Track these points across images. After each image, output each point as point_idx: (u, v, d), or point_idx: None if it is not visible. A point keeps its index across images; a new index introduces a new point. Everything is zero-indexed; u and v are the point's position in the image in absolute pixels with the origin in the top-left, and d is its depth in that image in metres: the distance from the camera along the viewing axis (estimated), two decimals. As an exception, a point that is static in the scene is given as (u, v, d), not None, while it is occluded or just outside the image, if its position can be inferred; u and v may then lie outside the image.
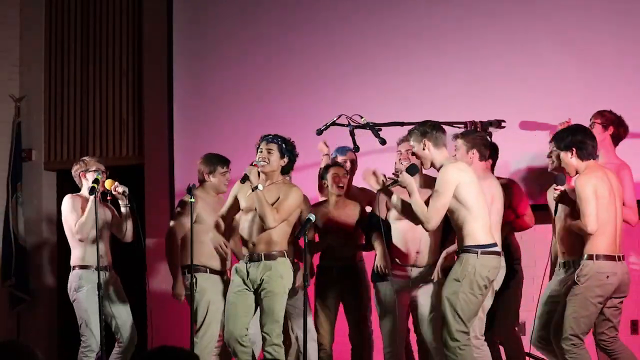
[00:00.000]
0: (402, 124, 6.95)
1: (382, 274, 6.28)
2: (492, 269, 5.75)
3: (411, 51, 7.82)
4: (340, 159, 6.98)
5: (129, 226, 6.87)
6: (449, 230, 6.00)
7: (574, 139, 5.77)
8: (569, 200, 5.76)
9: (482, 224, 5.73)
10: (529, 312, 6.27)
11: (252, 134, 6.73)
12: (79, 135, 9.19)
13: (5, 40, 9.30)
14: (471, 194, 5.70)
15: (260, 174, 6.21)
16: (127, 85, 9.05)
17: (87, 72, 9.18)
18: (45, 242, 9.23)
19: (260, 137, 6.34)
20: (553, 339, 5.80)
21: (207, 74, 8.58)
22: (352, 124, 6.94)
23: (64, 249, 7.60)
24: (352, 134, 6.93)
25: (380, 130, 6.89)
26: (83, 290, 6.72)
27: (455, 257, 5.90)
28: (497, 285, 6.14)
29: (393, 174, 5.98)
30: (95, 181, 6.64)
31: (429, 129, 5.84)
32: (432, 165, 5.86)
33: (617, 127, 6.50)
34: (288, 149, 6.26)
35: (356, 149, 6.93)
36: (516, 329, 6.69)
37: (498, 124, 6.97)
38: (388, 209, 6.36)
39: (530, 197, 6.91)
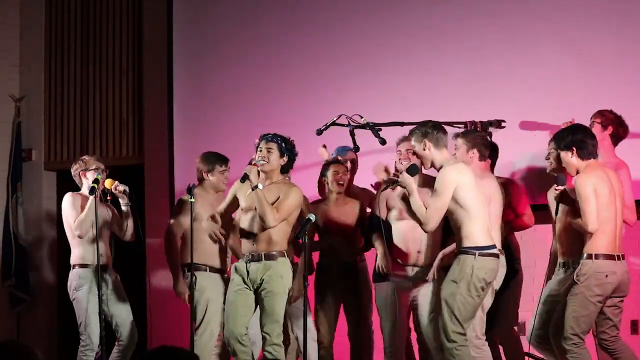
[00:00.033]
0: (402, 124, 6.95)
1: (383, 274, 6.29)
2: (490, 271, 5.74)
3: (411, 51, 7.82)
4: (340, 159, 6.98)
5: (129, 225, 6.87)
6: (450, 231, 6.00)
7: (574, 138, 5.78)
8: (569, 199, 5.77)
9: (480, 226, 5.72)
10: (529, 312, 6.27)
11: (252, 134, 6.73)
12: (79, 135, 9.19)
13: (5, 40, 9.31)
14: (470, 195, 5.70)
15: (260, 173, 6.22)
16: (127, 85, 9.05)
17: (87, 72, 9.18)
18: (46, 242, 9.23)
19: (259, 136, 6.35)
20: (552, 339, 5.80)
21: (207, 74, 8.59)
22: (352, 124, 6.94)
23: (64, 249, 7.60)
24: (352, 134, 6.93)
25: (380, 130, 6.89)
26: (83, 289, 6.72)
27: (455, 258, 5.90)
28: (497, 284, 6.15)
29: (393, 174, 5.98)
30: (95, 181, 6.64)
31: (430, 130, 5.84)
32: (432, 165, 5.86)
33: (617, 127, 6.50)
34: (287, 148, 6.26)
35: (356, 149, 6.94)
36: (515, 328, 6.69)
37: (498, 124, 6.98)
38: (388, 210, 6.37)
39: (530, 197, 6.91)
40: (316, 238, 6.76)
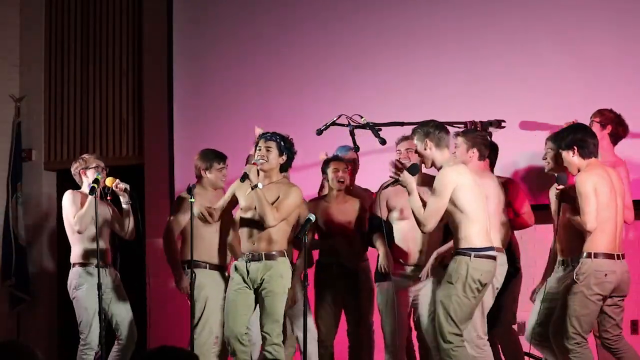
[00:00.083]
0: (402, 124, 6.95)
1: (385, 273, 6.29)
2: (485, 273, 5.72)
3: (411, 51, 7.82)
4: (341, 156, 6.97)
5: (130, 223, 6.87)
6: (450, 230, 6.00)
7: (574, 137, 5.78)
8: (570, 198, 5.76)
9: (478, 228, 5.71)
10: (529, 312, 6.27)
11: (252, 133, 6.75)
12: (79, 135, 9.19)
13: (5, 40, 9.31)
14: (468, 197, 5.69)
15: (259, 172, 6.22)
16: (127, 85, 9.06)
17: (87, 72, 9.19)
18: (46, 242, 9.23)
19: (258, 135, 6.36)
20: (552, 338, 5.80)
21: (207, 74, 8.59)
22: (352, 124, 6.94)
23: (64, 249, 7.60)
24: (352, 134, 6.93)
25: (380, 130, 6.90)
26: (83, 288, 6.72)
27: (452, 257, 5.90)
28: (497, 283, 6.14)
29: (395, 172, 5.97)
30: (95, 181, 6.63)
31: (432, 129, 5.83)
32: (433, 164, 5.86)
33: (616, 126, 6.49)
34: (286, 147, 6.27)
35: (356, 149, 6.94)
36: (514, 327, 6.69)
37: (498, 124, 6.98)
38: (389, 210, 6.38)
39: (530, 197, 6.91)
40: (316, 237, 6.76)
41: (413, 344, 6.62)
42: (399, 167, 5.81)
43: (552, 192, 5.96)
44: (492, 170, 6.52)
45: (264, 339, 6.19)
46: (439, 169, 5.82)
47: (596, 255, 5.66)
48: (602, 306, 5.73)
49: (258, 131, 6.79)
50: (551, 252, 6.10)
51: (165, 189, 8.61)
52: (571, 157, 5.78)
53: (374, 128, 6.88)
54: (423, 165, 5.97)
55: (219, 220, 6.50)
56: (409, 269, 6.30)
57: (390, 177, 5.93)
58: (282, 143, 6.25)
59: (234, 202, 6.41)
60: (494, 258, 5.77)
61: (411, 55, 7.82)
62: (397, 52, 7.85)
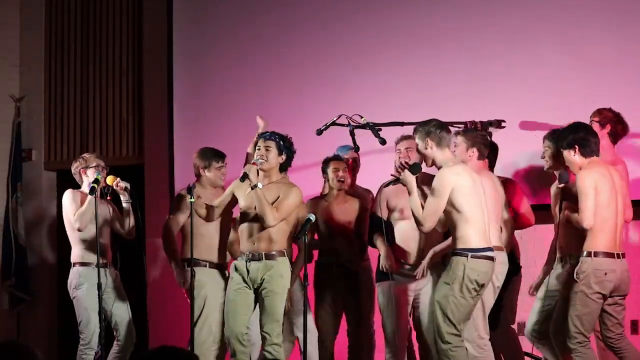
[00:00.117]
0: (402, 124, 6.96)
1: (386, 273, 6.29)
2: (482, 274, 5.71)
3: (411, 51, 7.82)
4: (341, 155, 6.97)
5: (131, 222, 6.87)
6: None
7: (575, 136, 5.79)
8: (571, 196, 5.77)
9: (476, 229, 5.70)
10: (529, 312, 6.27)
11: (252, 134, 6.75)
12: (79, 135, 9.19)
13: (5, 40, 9.31)
14: (465, 198, 5.68)
15: (259, 172, 6.22)
16: (127, 85, 9.06)
17: (87, 72, 9.18)
18: (45, 242, 9.23)
19: (257, 135, 6.36)
20: (553, 337, 5.81)
21: (207, 74, 8.59)
22: (352, 124, 6.94)
23: (64, 249, 7.60)
24: (352, 134, 6.93)
25: (380, 130, 6.90)
26: (83, 287, 6.72)
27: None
28: (498, 282, 6.12)
29: (397, 170, 5.98)
30: (95, 181, 6.63)
31: (433, 128, 5.83)
32: (434, 163, 5.86)
33: (615, 125, 6.48)
34: (286, 146, 6.28)
35: (356, 149, 6.93)
36: (513, 327, 6.68)
37: (498, 124, 6.99)
38: (390, 210, 6.38)
39: (530, 196, 6.91)
40: (315, 237, 6.76)
41: (413, 344, 6.62)
42: (403, 167, 5.83)
43: (554, 190, 5.96)
44: (492, 171, 6.52)
45: (263, 338, 6.18)
46: (439, 168, 5.82)
47: (596, 254, 5.67)
48: (603, 305, 5.73)
49: (260, 122, 6.80)
50: (551, 247, 6.10)
51: (165, 189, 8.61)
52: (572, 156, 5.79)
53: (374, 128, 6.88)
54: (425, 164, 5.98)
55: (219, 219, 6.50)
56: (410, 268, 6.30)
57: (392, 175, 5.93)
58: (281, 142, 6.26)
59: (233, 201, 6.41)
60: (491, 259, 5.75)
61: (411, 55, 7.82)
62: (397, 52, 7.85)
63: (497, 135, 6.82)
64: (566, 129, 5.95)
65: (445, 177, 5.71)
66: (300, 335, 6.50)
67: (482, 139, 6.38)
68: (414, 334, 6.52)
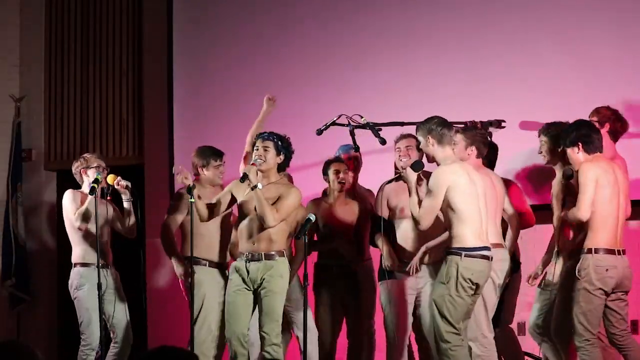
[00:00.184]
0: (402, 124, 6.96)
1: (388, 272, 6.29)
2: (477, 273, 5.70)
3: (411, 51, 7.82)
4: (343, 157, 6.97)
5: (131, 221, 6.87)
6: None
7: (579, 134, 5.80)
8: (574, 192, 5.77)
9: (472, 228, 5.70)
10: (529, 312, 6.27)
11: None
12: (79, 135, 9.19)
13: (5, 40, 9.30)
14: (461, 197, 5.68)
15: (258, 172, 6.22)
16: (127, 85, 9.06)
17: (87, 72, 9.18)
18: (45, 242, 9.23)
19: (255, 135, 6.37)
20: (554, 336, 5.81)
21: (207, 74, 8.59)
22: (352, 124, 6.94)
23: (64, 249, 7.60)
24: (352, 134, 6.93)
25: (380, 130, 6.90)
26: (84, 288, 6.72)
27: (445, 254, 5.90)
28: (499, 279, 6.10)
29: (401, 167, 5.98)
30: (96, 181, 6.63)
31: (435, 126, 5.84)
32: (435, 161, 5.87)
33: (614, 123, 6.47)
34: (284, 146, 6.28)
35: (356, 148, 6.94)
36: (511, 326, 6.68)
37: (498, 124, 6.99)
38: (390, 209, 6.38)
39: (530, 196, 6.91)
40: (315, 238, 6.75)
41: (412, 345, 6.62)
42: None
43: (556, 186, 5.95)
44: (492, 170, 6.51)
45: (262, 339, 6.18)
46: (439, 165, 5.83)
47: (597, 250, 5.68)
48: (606, 301, 5.72)
49: (266, 103, 6.83)
50: (551, 241, 6.10)
51: (165, 189, 8.60)
52: (576, 154, 5.79)
53: (374, 128, 6.88)
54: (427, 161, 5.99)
55: (219, 218, 6.49)
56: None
57: (395, 171, 5.94)
58: (279, 142, 6.26)
59: (232, 201, 6.41)
60: (487, 258, 5.75)
61: (411, 55, 7.82)
62: (397, 52, 7.85)
63: (497, 135, 6.82)
64: (569, 126, 5.95)
65: (440, 175, 5.72)
66: (300, 335, 6.49)
67: (481, 137, 6.38)
68: (413, 335, 6.51)
